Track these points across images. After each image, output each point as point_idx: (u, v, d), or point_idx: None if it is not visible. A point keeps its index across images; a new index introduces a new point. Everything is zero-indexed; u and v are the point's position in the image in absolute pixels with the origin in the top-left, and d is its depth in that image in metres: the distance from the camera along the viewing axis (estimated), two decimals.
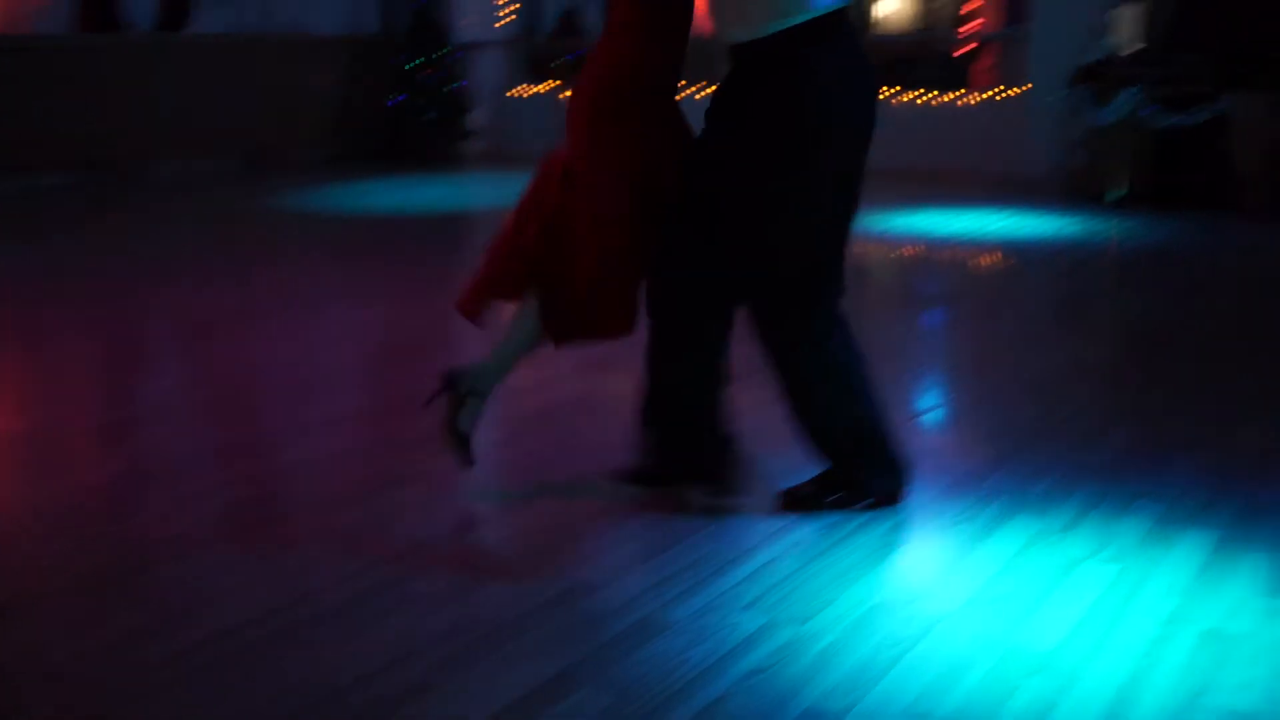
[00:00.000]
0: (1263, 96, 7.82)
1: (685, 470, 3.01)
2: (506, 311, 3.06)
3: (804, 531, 2.89)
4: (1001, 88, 10.19)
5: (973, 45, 10.42)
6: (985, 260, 6.98)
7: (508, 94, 12.31)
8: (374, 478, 3.33)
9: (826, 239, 2.91)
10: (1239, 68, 7.98)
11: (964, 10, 10.60)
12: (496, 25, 12.38)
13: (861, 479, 2.99)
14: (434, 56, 11.46)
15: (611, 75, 2.86)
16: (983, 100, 9.64)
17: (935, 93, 9.64)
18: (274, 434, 3.78)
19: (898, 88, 9.53)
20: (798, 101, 2.74)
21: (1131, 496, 3.09)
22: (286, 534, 2.94)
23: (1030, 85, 9.51)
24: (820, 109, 2.74)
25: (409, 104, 11.43)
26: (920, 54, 10.56)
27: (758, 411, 3.24)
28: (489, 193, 10.35)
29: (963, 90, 9.82)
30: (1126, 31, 8.59)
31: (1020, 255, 6.81)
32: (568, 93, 2.78)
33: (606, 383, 4.29)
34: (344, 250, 7.34)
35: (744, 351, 2.99)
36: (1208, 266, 6.75)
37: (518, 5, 12.58)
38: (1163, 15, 8.82)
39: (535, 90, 12.28)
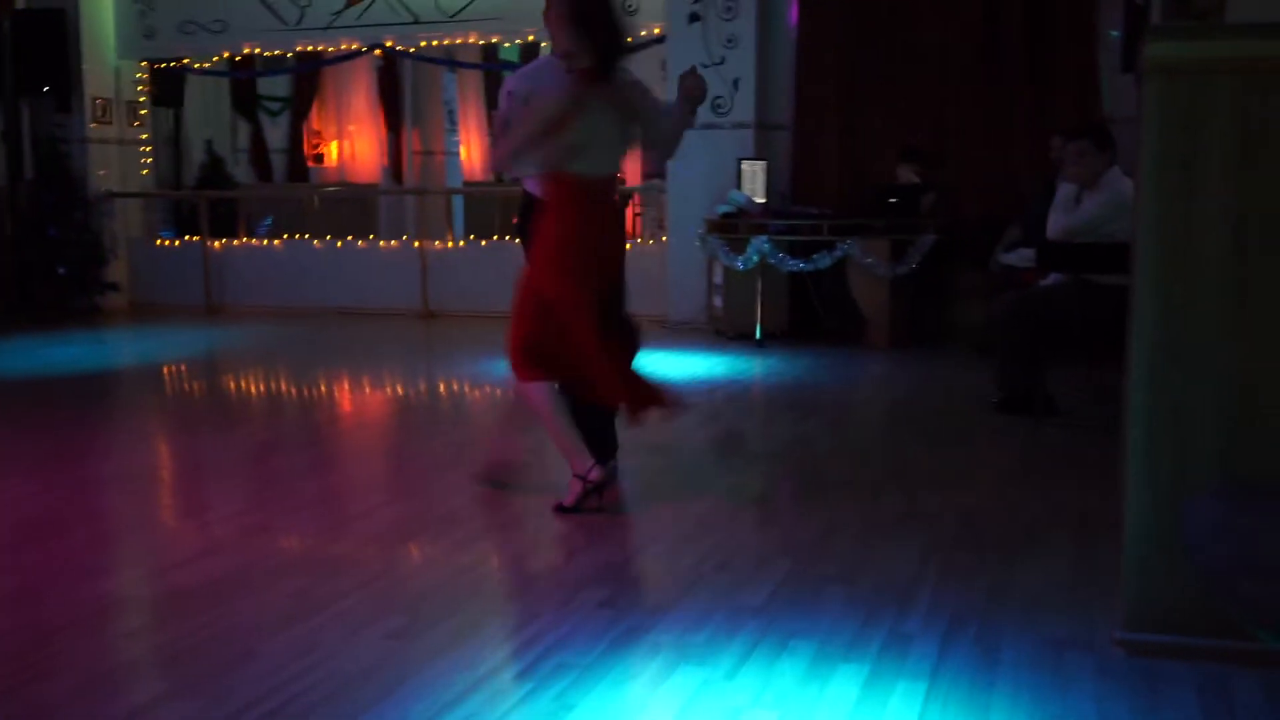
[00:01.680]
0: (874, 243, 8.66)
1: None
2: None
3: (474, 702, 2.81)
4: (640, 238, 10.77)
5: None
6: None
7: (153, 244, 11.84)
8: (14, 673, 3.00)
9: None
10: (849, 220, 8.82)
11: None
12: (139, 175, 11.92)
13: None
14: (66, 208, 10.90)
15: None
16: (629, 249, 10.12)
17: None
18: None
19: None
20: None
21: (788, 636, 3.21)
22: None
23: (666, 237, 10.13)
24: None
25: (39, 257, 10.77)
26: None
27: None
28: (127, 348, 9.78)
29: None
30: (752, 187, 9.30)
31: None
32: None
33: (273, 546, 4.07)
34: None
35: None
36: (845, 397, 7.26)
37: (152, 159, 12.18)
38: (781, 174, 9.67)
39: (179, 241, 11.87)
